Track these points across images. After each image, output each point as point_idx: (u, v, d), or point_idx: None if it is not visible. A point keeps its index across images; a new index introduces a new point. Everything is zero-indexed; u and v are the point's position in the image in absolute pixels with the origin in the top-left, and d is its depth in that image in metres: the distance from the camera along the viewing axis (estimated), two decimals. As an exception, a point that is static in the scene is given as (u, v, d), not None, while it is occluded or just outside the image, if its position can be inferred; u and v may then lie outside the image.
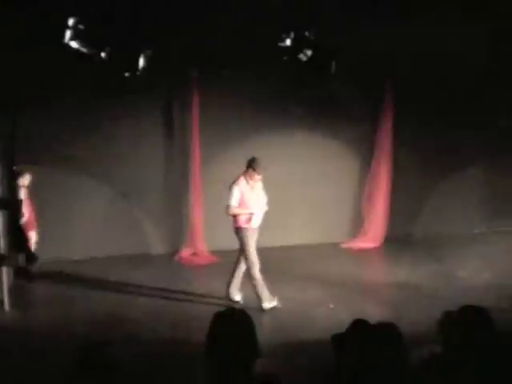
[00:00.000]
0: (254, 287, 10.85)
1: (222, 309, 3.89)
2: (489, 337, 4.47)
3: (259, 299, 10.78)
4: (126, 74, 10.12)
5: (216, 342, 3.71)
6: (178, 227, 14.39)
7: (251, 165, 10.90)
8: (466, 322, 4.53)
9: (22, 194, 12.24)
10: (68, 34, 9.13)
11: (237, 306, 10.44)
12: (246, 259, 10.92)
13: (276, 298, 10.90)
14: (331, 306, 10.81)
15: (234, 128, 14.39)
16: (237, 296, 11.16)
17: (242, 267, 11.11)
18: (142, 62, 9.97)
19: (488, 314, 4.60)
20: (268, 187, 14.67)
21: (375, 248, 15.14)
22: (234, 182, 10.98)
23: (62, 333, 9.57)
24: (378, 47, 12.18)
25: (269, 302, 10.80)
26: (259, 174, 10.94)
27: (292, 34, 10.29)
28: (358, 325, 4.59)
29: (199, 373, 3.88)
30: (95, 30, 9.27)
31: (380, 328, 4.55)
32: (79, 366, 4.58)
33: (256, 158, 10.92)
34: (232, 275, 11.17)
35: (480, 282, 12.00)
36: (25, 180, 12.29)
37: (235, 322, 3.76)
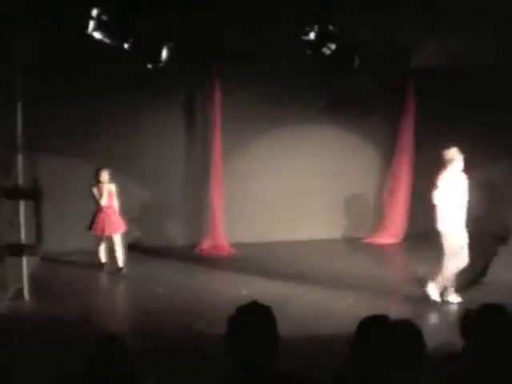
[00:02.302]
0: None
1: (241, 302, 3.85)
2: (509, 335, 4.44)
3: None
4: (149, 66, 10.12)
5: (236, 337, 3.69)
6: (198, 219, 14.39)
7: (450, 153, 10.37)
8: (486, 321, 4.50)
9: (96, 190, 12.24)
10: (91, 24, 9.13)
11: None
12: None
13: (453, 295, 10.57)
14: (350, 301, 10.77)
15: (256, 121, 14.37)
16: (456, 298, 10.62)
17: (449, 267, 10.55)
18: (164, 53, 9.96)
19: (508, 312, 4.57)
20: (289, 181, 14.78)
21: (396, 244, 15.10)
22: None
23: (82, 324, 9.58)
24: (402, 41, 12.13)
25: (436, 295, 10.57)
26: (448, 165, 10.37)
27: (316, 28, 10.22)
28: (376, 321, 4.56)
29: (219, 366, 3.86)
30: (118, 20, 9.27)
31: (399, 325, 4.52)
32: (97, 357, 4.59)
33: (451, 144, 10.40)
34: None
35: (502, 280, 11.89)
36: (103, 177, 12.20)
37: (256, 317, 3.73)
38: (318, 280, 11.99)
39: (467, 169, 10.34)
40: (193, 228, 14.45)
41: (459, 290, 10.64)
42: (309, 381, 3.99)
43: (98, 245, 12.58)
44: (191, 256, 13.72)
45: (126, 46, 9.51)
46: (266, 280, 11.83)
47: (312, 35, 10.26)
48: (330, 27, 10.22)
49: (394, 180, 15.39)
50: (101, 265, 12.53)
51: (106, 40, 9.32)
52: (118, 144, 13.72)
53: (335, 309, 10.41)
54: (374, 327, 4.53)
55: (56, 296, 11.00)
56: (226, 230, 14.18)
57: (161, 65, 10.06)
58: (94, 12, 9.04)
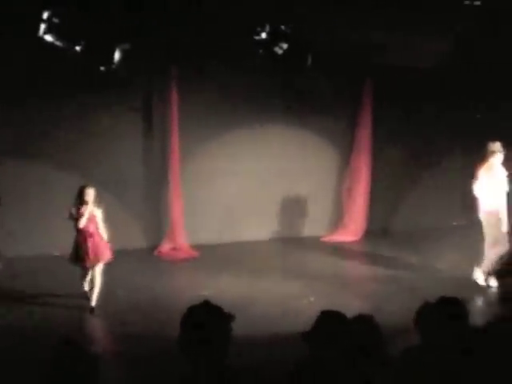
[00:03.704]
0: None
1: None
2: (464, 328, 4.49)
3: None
4: (101, 68, 10.06)
5: (188, 337, 3.69)
6: (157, 222, 14.34)
7: (494, 146, 11.19)
8: (443, 313, 4.54)
9: (74, 211, 10.42)
10: (42, 27, 9.06)
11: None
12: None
13: (493, 279, 11.40)
14: (311, 299, 10.82)
15: (214, 123, 14.35)
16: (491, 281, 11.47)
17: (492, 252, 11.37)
18: (117, 56, 9.90)
19: (464, 305, 4.62)
20: (249, 181, 14.78)
21: (355, 241, 15.18)
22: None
23: (40, 328, 9.52)
24: (357, 39, 12.19)
25: (484, 280, 11.44)
26: (489, 158, 11.21)
27: (267, 28, 10.27)
28: (334, 317, 4.59)
29: (173, 368, 3.86)
30: (70, 23, 9.20)
31: (357, 320, 4.55)
32: (56, 362, 4.55)
33: (491, 142, 11.20)
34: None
35: (459, 274, 12.05)
36: (88, 196, 10.42)
37: (207, 316, 3.73)
38: (280, 279, 12.04)
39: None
40: (152, 230, 14.39)
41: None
42: (268, 377, 4.01)
43: (81, 279, 10.92)
44: (151, 258, 13.67)
45: (77, 48, 9.45)
46: (227, 280, 11.84)
47: (264, 35, 10.32)
48: (282, 27, 10.26)
49: (353, 178, 15.47)
50: (92, 309, 10.51)
51: (58, 43, 9.25)
52: (75, 146, 13.60)
53: (297, 307, 10.44)
54: (331, 322, 4.55)
55: (15, 302, 10.88)
56: (186, 231, 14.14)
57: (114, 67, 10.01)
58: (45, 15, 8.97)
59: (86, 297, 10.68)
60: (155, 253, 13.96)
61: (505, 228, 11.17)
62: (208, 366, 3.65)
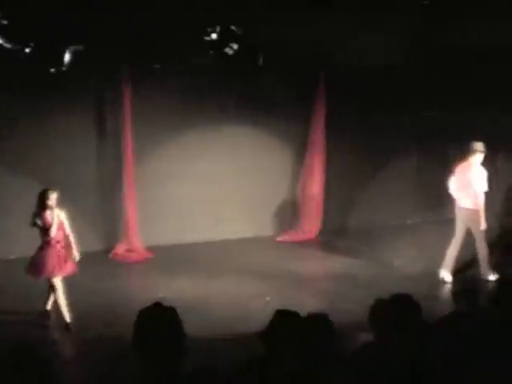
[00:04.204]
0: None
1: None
2: (417, 324, 4.53)
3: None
4: (52, 70, 9.96)
5: (141, 339, 3.67)
6: (112, 224, 14.23)
7: (475, 145, 11.55)
8: (395, 310, 4.58)
9: (49, 216, 9.97)
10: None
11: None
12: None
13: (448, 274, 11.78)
14: (267, 298, 10.84)
15: (167, 124, 14.26)
16: (446, 276, 11.81)
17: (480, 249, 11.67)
18: (67, 57, 9.80)
19: (416, 302, 4.66)
20: (204, 182, 14.74)
21: (311, 240, 15.20)
22: None
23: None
24: (310, 38, 12.22)
25: (447, 274, 11.79)
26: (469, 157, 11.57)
27: (218, 28, 10.26)
28: (285, 317, 4.60)
29: (130, 371, 3.84)
30: (19, 25, 9.09)
31: (312, 320, 4.56)
32: (11, 366, 4.50)
33: (475, 142, 11.59)
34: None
35: (414, 271, 12.17)
36: (51, 201, 9.96)
37: (160, 319, 3.71)
38: (236, 279, 12.03)
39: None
40: (107, 232, 14.27)
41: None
42: (224, 378, 4.00)
43: (48, 293, 10.33)
44: (106, 261, 13.55)
45: (27, 50, 9.33)
46: (183, 282, 11.82)
47: (214, 35, 10.32)
48: (232, 27, 10.26)
49: (307, 177, 15.50)
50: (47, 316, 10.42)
51: (7, 45, 9.13)
52: (26, 149, 13.43)
53: (253, 307, 10.45)
54: (286, 321, 4.55)
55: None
56: (141, 232, 14.05)
57: (64, 69, 9.92)
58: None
59: (45, 314, 10.34)
60: (110, 255, 13.86)
61: (483, 226, 11.41)
62: (162, 367, 3.63)
